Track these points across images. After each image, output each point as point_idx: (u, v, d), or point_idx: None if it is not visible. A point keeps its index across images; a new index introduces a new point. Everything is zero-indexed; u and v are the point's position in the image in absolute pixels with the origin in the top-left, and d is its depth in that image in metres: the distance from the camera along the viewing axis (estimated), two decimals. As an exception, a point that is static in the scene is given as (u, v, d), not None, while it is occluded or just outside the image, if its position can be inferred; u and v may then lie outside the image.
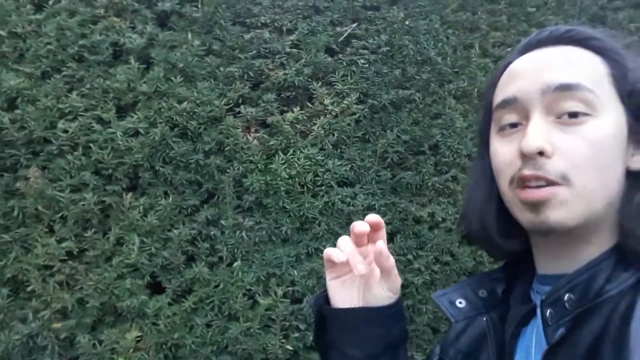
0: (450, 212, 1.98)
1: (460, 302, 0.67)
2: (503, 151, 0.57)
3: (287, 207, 1.90)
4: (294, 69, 2.00)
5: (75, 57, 1.86)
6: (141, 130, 1.86)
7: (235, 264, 1.84)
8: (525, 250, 0.65)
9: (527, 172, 0.53)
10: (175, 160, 1.86)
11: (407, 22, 2.11)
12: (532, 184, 0.53)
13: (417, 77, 2.08)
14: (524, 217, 0.55)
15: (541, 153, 0.52)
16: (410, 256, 1.94)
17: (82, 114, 1.84)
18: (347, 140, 2.00)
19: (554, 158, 0.52)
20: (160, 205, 1.83)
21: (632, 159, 0.56)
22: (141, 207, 1.82)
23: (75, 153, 1.79)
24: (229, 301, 1.81)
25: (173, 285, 1.81)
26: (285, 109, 2.00)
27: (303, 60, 2.02)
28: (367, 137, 2.01)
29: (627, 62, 0.56)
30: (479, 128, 0.67)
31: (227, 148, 1.91)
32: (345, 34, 2.08)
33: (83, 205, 1.74)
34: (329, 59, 2.05)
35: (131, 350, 1.73)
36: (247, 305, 1.83)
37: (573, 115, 0.53)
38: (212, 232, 1.86)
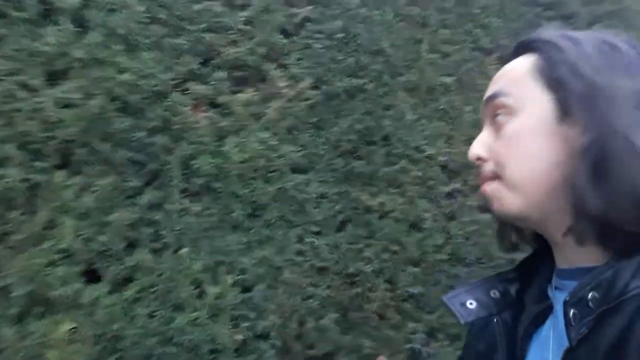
0: (399, 203, 2.08)
1: (471, 303, 0.67)
2: None
3: (238, 192, 1.87)
4: (247, 47, 1.96)
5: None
6: (75, 101, 1.71)
7: (181, 251, 1.77)
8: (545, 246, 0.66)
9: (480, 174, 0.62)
10: (115, 137, 1.74)
11: (361, 10, 2.16)
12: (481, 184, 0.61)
13: (370, 67, 2.14)
14: None
15: (480, 159, 0.61)
16: (360, 245, 2.01)
17: (4, 78, 1.65)
18: (301, 126, 2.01)
19: (490, 161, 0.60)
20: (97, 186, 1.70)
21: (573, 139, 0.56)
22: (76, 187, 1.68)
23: (-4, 123, 1.60)
24: (175, 290, 1.74)
25: (112, 273, 1.70)
26: (236, 89, 1.96)
27: (257, 39, 1.99)
28: (321, 123, 2.04)
29: (563, 51, 0.57)
30: None
31: (174, 127, 1.83)
32: (301, 16, 2.08)
33: (7, 182, 1.57)
34: (284, 40, 2.04)
35: (65, 343, 1.60)
36: (195, 295, 1.77)
37: (499, 120, 0.59)
38: (156, 217, 1.77)
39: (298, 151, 1.97)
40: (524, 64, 0.60)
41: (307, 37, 2.06)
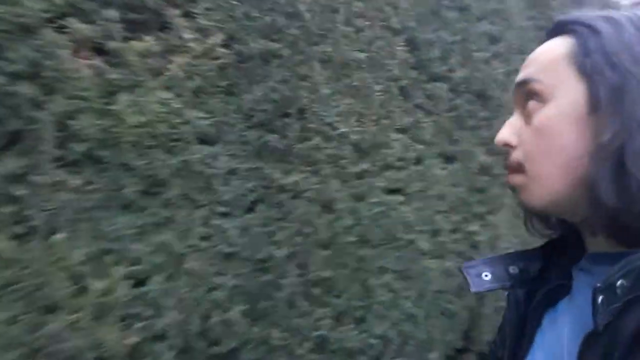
0: (312, 182, 1.93)
1: (486, 275, 0.67)
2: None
3: (131, 163, 1.51)
4: (146, -15, 1.58)
5: None
6: None
7: (54, 237, 1.37)
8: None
9: (507, 160, 0.60)
10: (-42, 81, 1.25)
11: (279, -35, 1.92)
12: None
13: (287, 32, 1.93)
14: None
15: (508, 145, 0.59)
16: (272, 227, 1.81)
17: None
18: (210, 89, 1.71)
19: (517, 148, 0.58)
20: None
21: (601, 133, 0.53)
22: None
23: None
24: (47, 287, 1.33)
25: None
26: (131, 35, 1.57)
27: (159, -23, 1.62)
28: (232, 88, 1.76)
29: (601, 36, 0.54)
30: None
31: (46, 74, 1.38)
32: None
33: None
34: (192, -16, 1.70)
35: None
36: (73, 292, 1.39)
37: (530, 106, 0.57)
38: (18, 192, 1.32)
39: (206, 118, 1.68)
40: (558, 47, 0.57)
41: (218, -15, 1.75)
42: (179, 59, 1.64)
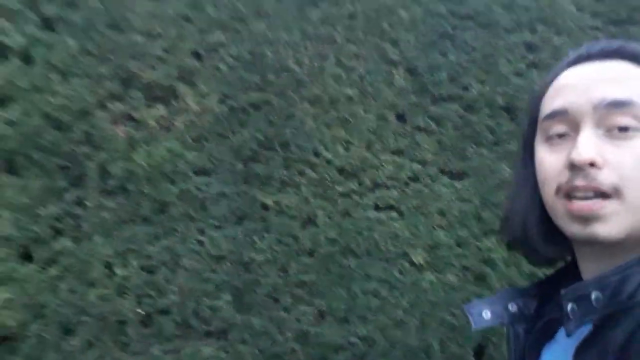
0: (293, 201, 2.23)
1: (486, 313, 0.67)
2: (550, 160, 0.56)
3: (147, 191, 2.13)
4: (162, 71, 2.22)
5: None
6: (17, 120, 2.06)
7: (95, 238, 2.07)
8: (566, 263, 0.67)
9: (578, 182, 0.52)
10: (48, 148, 2.08)
11: (269, 33, 2.33)
12: (580, 195, 0.53)
13: (275, 83, 2.31)
14: (570, 228, 0.55)
15: (592, 164, 0.52)
16: (255, 237, 2.19)
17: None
18: (206, 136, 2.23)
19: (605, 170, 0.52)
20: (32, 186, 2.05)
21: None
22: (15, 187, 2.04)
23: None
24: (90, 271, 2.04)
25: (41, 255, 2.04)
26: (151, 104, 2.22)
27: (171, 64, 2.24)
28: (224, 133, 2.25)
29: None
30: (523, 137, 0.66)
31: (95, 139, 2.13)
32: (212, 41, 2.29)
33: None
34: (196, 63, 2.27)
35: (1, 310, 1.96)
36: (105, 274, 2.06)
37: (623, 129, 0.52)
38: (77, 211, 2.08)
39: (202, 157, 2.19)
40: None
41: (218, 60, 2.28)
42: (183, 117, 2.22)
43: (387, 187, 2.32)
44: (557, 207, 0.56)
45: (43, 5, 2.16)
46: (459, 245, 2.33)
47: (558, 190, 0.55)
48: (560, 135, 0.56)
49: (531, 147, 0.62)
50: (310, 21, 2.37)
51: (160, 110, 2.19)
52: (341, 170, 2.30)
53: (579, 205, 0.52)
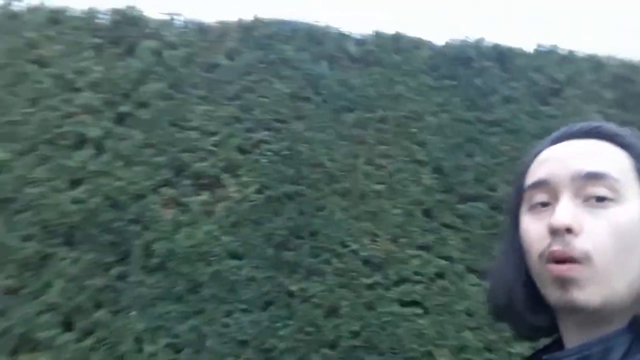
0: (318, 289, 2.28)
1: None
2: (534, 227, 0.59)
3: (183, 271, 2.27)
4: (211, 162, 2.48)
5: (47, 141, 2.43)
6: (82, 199, 2.34)
7: (131, 314, 2.19)
8: (551, 334, 0.66)
9: (555, 247, 0.55)
10: (103, 225, 2.31)
11: (307, 133, 2.58)
12: (558, 260, 0.55)
13: (309, 177, 2.50)
14: (552, 293, 0.56)
15: (569, 230, 0.54)
16: (279, 324, 2.23)
17: (45, 183, 2.36)
18: (243, 222, 2.40)
19: (581, 236, 0.54)
20: (84, 259, 2.26)
21: None
22: (69, 259, 2.25)
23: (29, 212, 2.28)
24: (121, 344, 2.14)
25: (81, 325, 2.17)
26: (198, 191, 2.45)
27: (219, 157, 2.50)
28: (259, 220, 2.41)
29: None
30: (509, 207, 0.68)
31: (146, 219, 2.35)
32: (256, 139, 2.56)
33: (26, 251, 2.20)
34: (240, 157, 2.52)
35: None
36: (134, 350, 2.15)
37: (600, 199, 0.55)
38: (119, 285, 2.24)
39: (237, 241, 2.34)
40: (621, 158, 0.59)
41: (259, 155, 2.52)
42: (224, 204, 2.41)
43: (413, 282, 2.32)
44: (540, 271, 0.57)
45: (120, 104, 2.54)
46: (488, 349, 2.23)
47: (541, 256, 0.57)
48: (544, 204, 0.59)
49: (516, 217, 0.64)
50: (345, 123, 2.61)
51: (205, 196, 2.41)
52: (366, 262, 2.36)
53: (557, 268, 0.54)
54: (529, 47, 2.89)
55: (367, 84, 2.67)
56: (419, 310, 2.28)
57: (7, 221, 2.27)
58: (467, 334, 2.23)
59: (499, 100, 2.69)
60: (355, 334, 2.23)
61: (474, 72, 2.74)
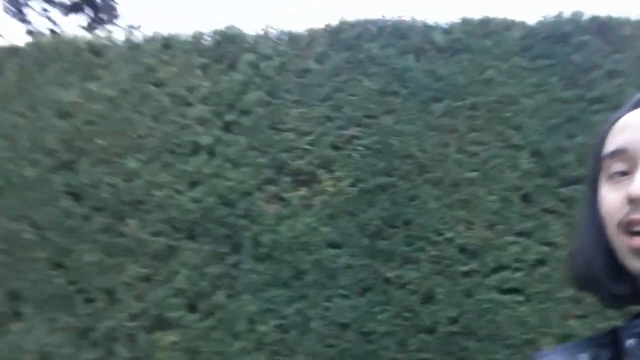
0: (414, 277, 2.34)
1: None
2: (611, 197, 0.58)
3: (286, 259, 2.48)
4: (306, 161, 2.67)
5: (168, 150, 2.81)
6: (200, 198, 2.67)
7: (244, 297, 2.45)
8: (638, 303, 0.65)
9: (635, 215, 0.54)
10: (217, 220, 2.61)
11: (396, 126, 2.64)
12: (638, 229, 0.54)
13: (400, 168, 2.56)
14: (631, 263, 0.55)
15: None
16: (377, 309, 2.32)
17: (168, 186, 2.74)
18: (338, 214, 2.54)
19: None
20: (203, 250, 2.57)
21: None
22: (190, 250, 2.58)
23: (156, 212, 2.66)
24: (236, 324, 2.40)
25: (202, 307, 2.48)
26: (296, 187, 2.65)
27: (314, 154, 2.68)
28: (354, 211, 2.53)
29: None
30: (589, 177, 0.67)
31: (252, 214, 2.61)
32: (348, 135, 2.69)
33: (157, 244, 2.57)
34: (333, 153, 2.67)
35: (168, 350, 2.41)
36: (248, 329, 2.40)
37: None
38: (233, 272, 2.51)
39: (334, 232, 2.49)
40: None
41: (352, 150, 2.65)
42: (321, 198, 2.58)
43: (512, 269, 2.27)
44: (618, 243, 0.56)
45: (226, 114, 2.84)
46: (599, 338, 2.09)
47: (619, 225, 0.56)
48: (622, 173, 0.57)
49: (596, 186, 0.63)
50: (433, 114, 2.62)
51: (303, 191, 2.60)
52: (462, 249, 2.35)
53: (635, 240, 0.53)
54: (635, 14, 2.64)
55: (456, 72, 2.65)
56: (520, 298, 2.22)
57: (140, 220, 2.68)
58: (573, 322, 2.12)
59: (602, 76, 2.50)
60: (453, 320, 2.24)
61: (571, 49, 2.58)
